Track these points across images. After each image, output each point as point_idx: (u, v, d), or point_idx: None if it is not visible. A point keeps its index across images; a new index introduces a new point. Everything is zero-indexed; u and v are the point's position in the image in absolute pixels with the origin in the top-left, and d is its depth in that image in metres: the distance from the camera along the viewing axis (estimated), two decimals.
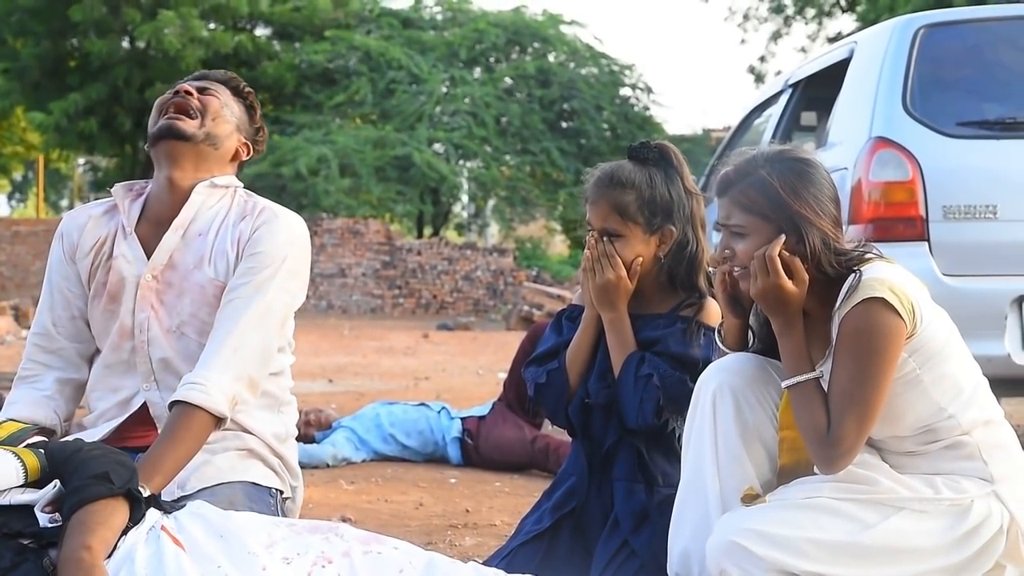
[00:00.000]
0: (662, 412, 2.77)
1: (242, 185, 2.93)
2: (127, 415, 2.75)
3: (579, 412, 2.90)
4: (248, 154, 2.94)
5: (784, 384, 2.39)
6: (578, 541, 2.89)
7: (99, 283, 2.81)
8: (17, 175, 44.02)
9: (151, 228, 2.80)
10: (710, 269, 2.54)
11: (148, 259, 2.77)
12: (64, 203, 49.85)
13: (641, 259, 2.85)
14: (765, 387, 2.49)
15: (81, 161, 42.34)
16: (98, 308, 2.81)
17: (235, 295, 2.68)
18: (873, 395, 2.28)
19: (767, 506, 2.36)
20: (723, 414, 2.47)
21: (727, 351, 2.58)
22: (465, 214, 38.60)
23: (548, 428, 5.65)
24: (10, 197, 51.96)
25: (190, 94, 2.79)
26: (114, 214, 2.86)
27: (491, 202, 32.25)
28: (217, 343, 2.63)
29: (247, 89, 2.95)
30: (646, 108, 30.60)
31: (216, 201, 2.84)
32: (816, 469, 2.37)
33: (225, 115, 2.84)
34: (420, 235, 31.21)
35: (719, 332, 2.62)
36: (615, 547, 2.80)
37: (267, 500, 2.76)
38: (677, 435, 2.80)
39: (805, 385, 2.36)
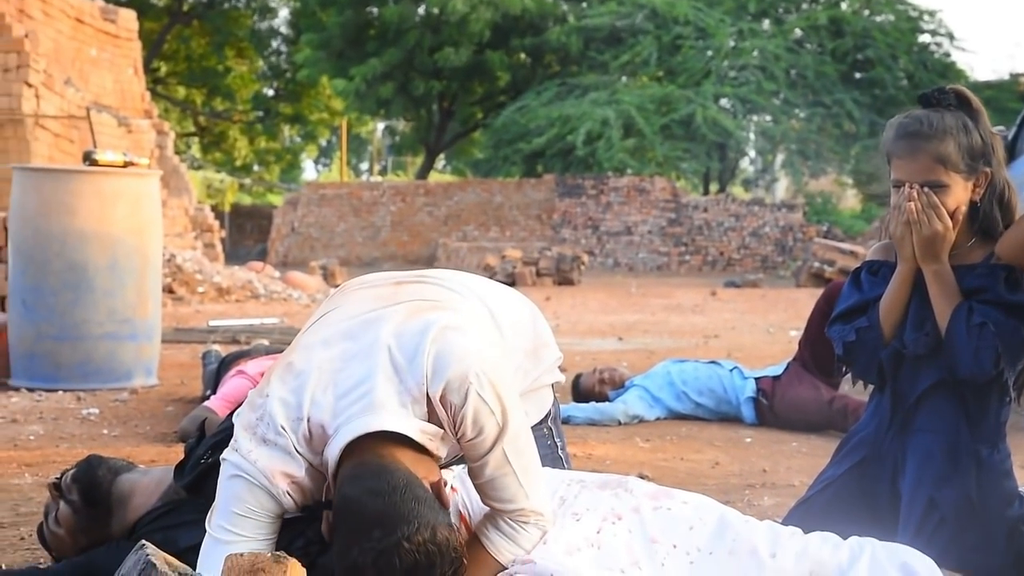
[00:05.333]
0: (999, 361, 2.70)
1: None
2: None
3: (890, 363, 2.86)
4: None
5: None
6: (864, 490, 2.86)
7: None
8: (323, 140, 46.55)
9: None
10: None
11: None
12: (364, 166, 52.33)
13: (963, 207, 2.78)
14: None
15: (380, 126, 44.33)
16: None
17: (487, 481, 2.21)
18: None
19: None
20: None
21: None
22: (752, 169, 37.92)
23: (846, 388, 5.53)
24: (316, 162, 55.06)
25: None
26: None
27: (780, 156, 31.52)
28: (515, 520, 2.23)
29: None
30: (947, 55, 29.09)
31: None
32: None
33: None
34: (706, 192, 30.91)
35: None
36: (921, 507, 2.74)
37: (542, 437, 2.76)
38: (1008, 384, 2.73)
39: None
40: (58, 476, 2.70)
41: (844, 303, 2.94)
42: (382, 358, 2.13)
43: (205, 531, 2.29)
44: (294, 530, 2.22)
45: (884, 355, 2.84)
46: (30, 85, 14.55)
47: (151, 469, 2.79)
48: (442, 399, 2.11)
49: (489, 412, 2.12)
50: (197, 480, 2.53)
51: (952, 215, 2.76)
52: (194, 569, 2.11)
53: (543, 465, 2.43)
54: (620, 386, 5.85)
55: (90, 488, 2.62)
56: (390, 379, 2.11)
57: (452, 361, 2.11)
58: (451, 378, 2.10)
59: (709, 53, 28.17)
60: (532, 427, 2.71)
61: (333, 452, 2.08)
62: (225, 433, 2.57)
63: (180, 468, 2.60)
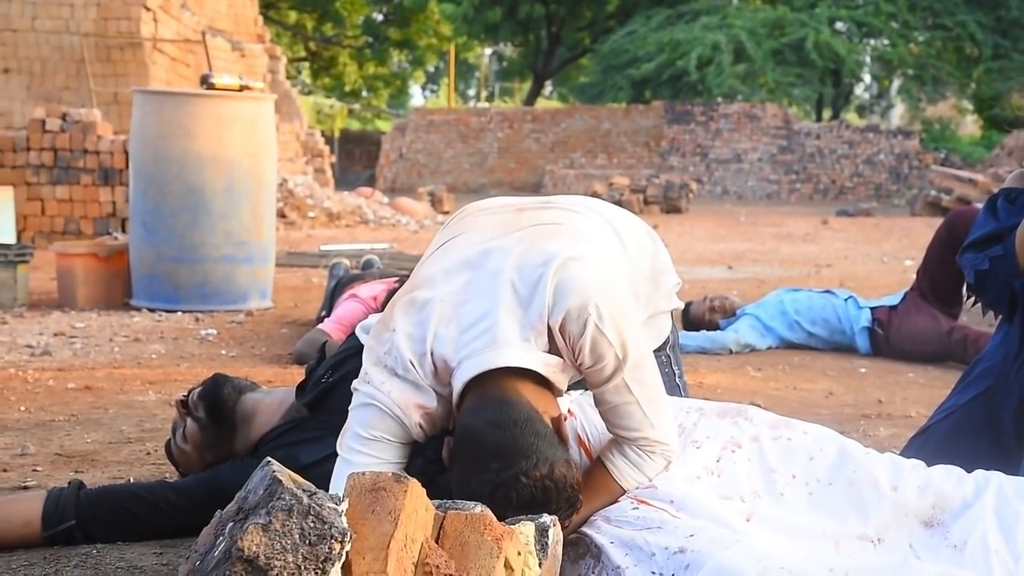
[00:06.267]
0: None
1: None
2: None
3: (1023, 294, 2.77)
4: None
5: None
6: (987, 420, 2.79)
7: None
8: (430, 66, 46.54)
9: None
10: None
11: None
12: (471, 92, 52.27)
13: None
14: None
15: (488, 51, 44.16)
16: None
17: (610, 408, 2.18)
18: None
19: None
20: None
21: None
22: (867, 95, 36.99)
23: (964, 319, 5.41)
24: (423, 88, 55.12)
25: None
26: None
27: (896, 82, 30.65)
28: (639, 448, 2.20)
29: None
30: None
31: None
32: None
33: None
34: (819, 118, 30.25)
35: None
36: None
37: (661, 364, 2.72)
38: None
39: None
40: (185, 394, 2.78)
41: (978, 231, 2.84)
42: (505, 292, 2.12)
43: (326, 447, 2.34)
44: (413, 449, 2.26)
45: (1018, 285, 2.75)
46: (148, 9, 14.77)
47: (274, 389, 2.86)
48: (561, 328, 2.10)
49: (608, 344, 2.10)
50: (318, 399, 2.58)
51: None
52: (315, 484, 2.17)
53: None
54: (731, 315, 5.80)
55: (216, 405, 2.69)
56: (512, 313, 2.10)
57: (572, 292, 2.10)
58: (571, 308, 2.09)
59: None
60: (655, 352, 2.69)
61: (456, 385, 2.09)
62: (345, 354, 2.62)
63: (301, 388, 2.65)
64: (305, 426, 2.55)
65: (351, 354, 2.58)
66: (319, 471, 2.30)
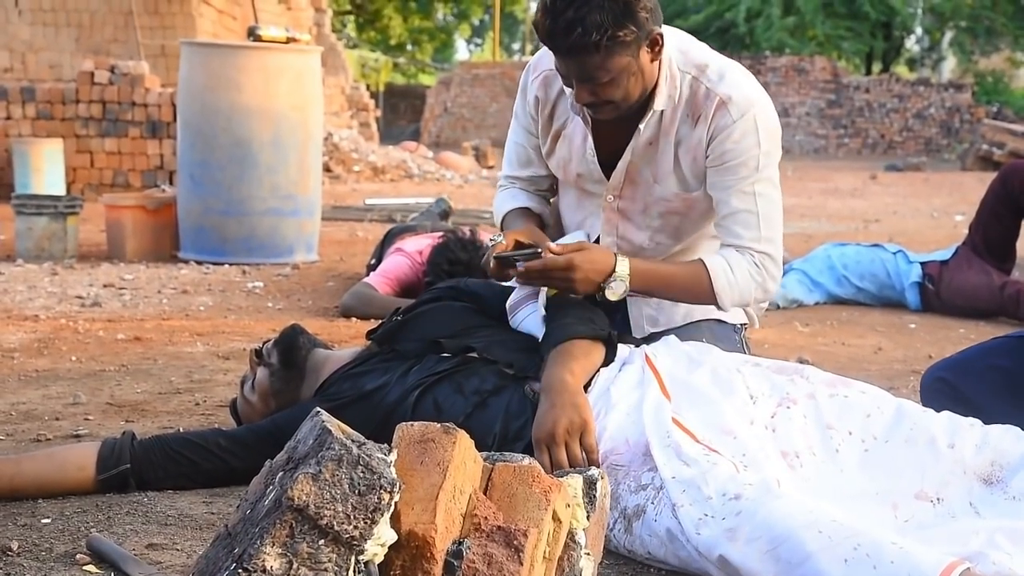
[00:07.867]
0: None
1: (672, 63, 2.55)
2: None
3: None
4: (660, 43, 2.46)
5: None
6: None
7: (559, 158, 2.75)
8: (475, 20, 46.27)
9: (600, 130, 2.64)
10: None
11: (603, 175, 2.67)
12: (516, 46, 51.95)
13: None
14: None
15: (533, 4, 43.80)
16: (559, 173, 2.80)
17: (729, 214, 2.54)
18: None
19: None
20: None
21: None
22: (918, 48, 36.40)
23: (1017, 274, 5.33)
24: (468, 41, 54.84)
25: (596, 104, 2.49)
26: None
27: (948, 34, 30.11)
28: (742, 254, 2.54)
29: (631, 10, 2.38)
30: None
31: (663, 105, 2.56)
32: None
33: (631, 82, 2.46)
34: (868, 72, 29.81)
35: None
36: None
37: (732, 336, 2.80)
38: None
39: None
40: (260, 344, 2.79)
41: None
42: None
43: (392, 372, 2.47)
44: (471, 372, 2.40)
45: None
46: None
47: (347, 349, 2.88)
48: (720, 105, 2.48)
49: (755, 142, 2.47)
50: (388, 333, 2.61)
51: None
52: (377, 408, 2.41)
53: (730, 350, 2.53)
54: None
55: (289, 350, 2.70)
56: None
57: (757, 104, 2.48)
58: (742, 102, 2.47)
59: None
60: (726, 325, 2.81)
61: None
62: (420, 299, 2.74)
63: (373, 331, 2.69)
64: (373, 359, 2.57)
65: (426, 299, 2.72)
66: (381, 396, 2.41)
